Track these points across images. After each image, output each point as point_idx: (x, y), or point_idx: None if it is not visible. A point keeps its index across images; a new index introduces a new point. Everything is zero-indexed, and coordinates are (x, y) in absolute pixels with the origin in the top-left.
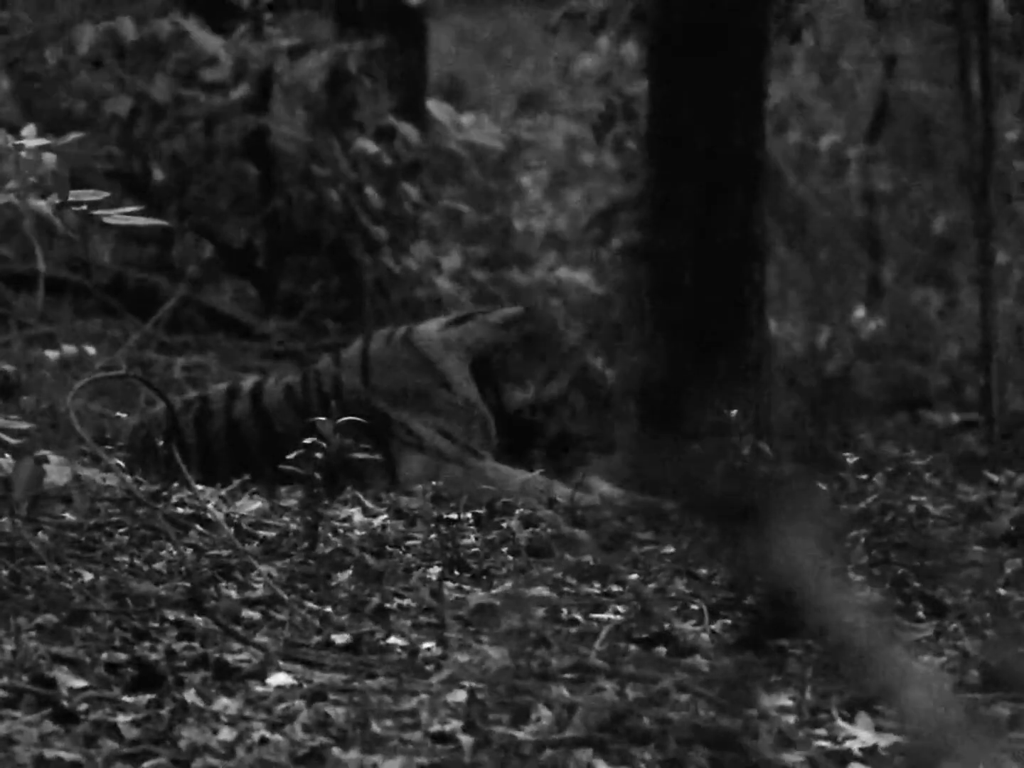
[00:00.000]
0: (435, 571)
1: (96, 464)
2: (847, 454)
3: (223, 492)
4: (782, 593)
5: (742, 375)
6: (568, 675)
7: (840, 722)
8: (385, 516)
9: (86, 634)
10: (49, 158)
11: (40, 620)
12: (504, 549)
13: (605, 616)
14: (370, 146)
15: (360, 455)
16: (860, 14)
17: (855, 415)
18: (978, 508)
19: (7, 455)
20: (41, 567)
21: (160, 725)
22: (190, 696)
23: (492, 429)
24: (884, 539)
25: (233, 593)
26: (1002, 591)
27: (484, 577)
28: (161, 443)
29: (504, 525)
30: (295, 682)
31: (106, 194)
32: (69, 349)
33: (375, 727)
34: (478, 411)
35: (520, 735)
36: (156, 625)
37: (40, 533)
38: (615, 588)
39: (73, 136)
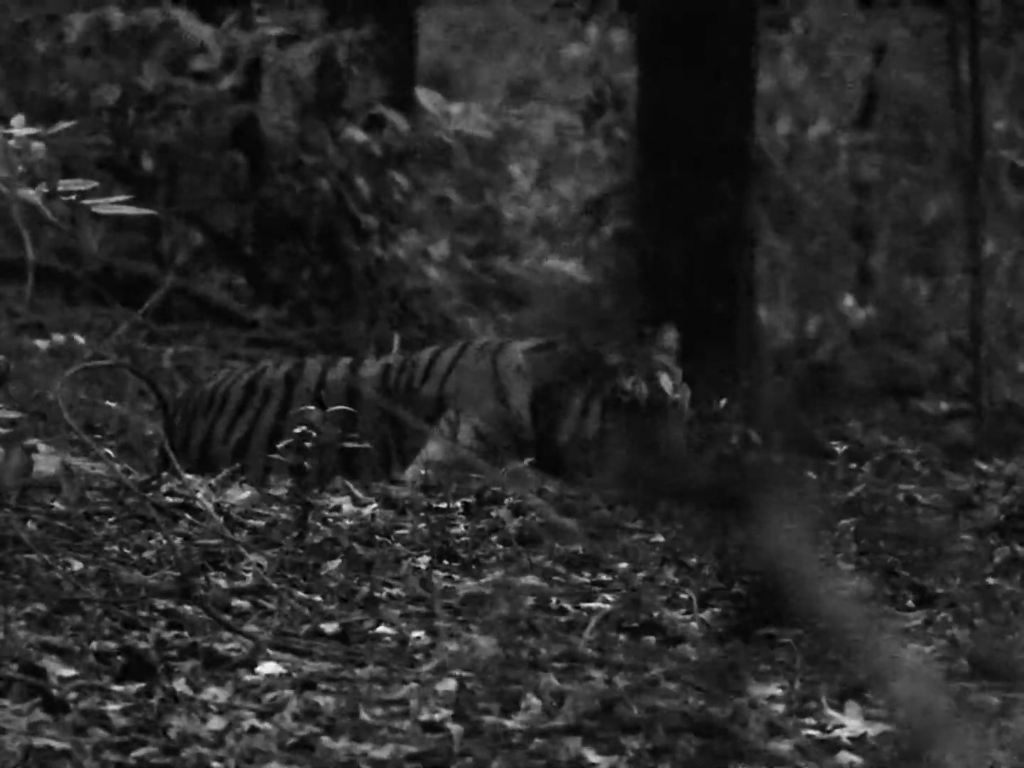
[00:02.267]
0: (425, 560)
1: (85, 453)
2: (836, 442)
3: (213, 481)
4: (771, 582)
5: (731, 363)
6: (557, 664)
7: (829, 711)
8: (375, 505)
9: (75, 623)
10: (38, 147)
11: (29, 609)
12: (494, 538)
13: (594, 605)
14: (359, 135)
15: (351, 444)
16: (849, 2)
17: (844, 403)
18: (967, 497)
19: None
20: (30, 556)
21: (149, 714)
22: (180, 685)
23: (530, 450)
24: (873, 528)
25: (223, 582)
26: (991, 580)
27: (474, 566)
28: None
29: (493, 514)
30: (284, 671)
31: (95, 183)
32: (58, 338)
33: (364, 716)
34: (525, 432)
35: (509, 724)
36: (145, 614)
37: (29, 522)
38: (604, 577)
39: (62, 125)
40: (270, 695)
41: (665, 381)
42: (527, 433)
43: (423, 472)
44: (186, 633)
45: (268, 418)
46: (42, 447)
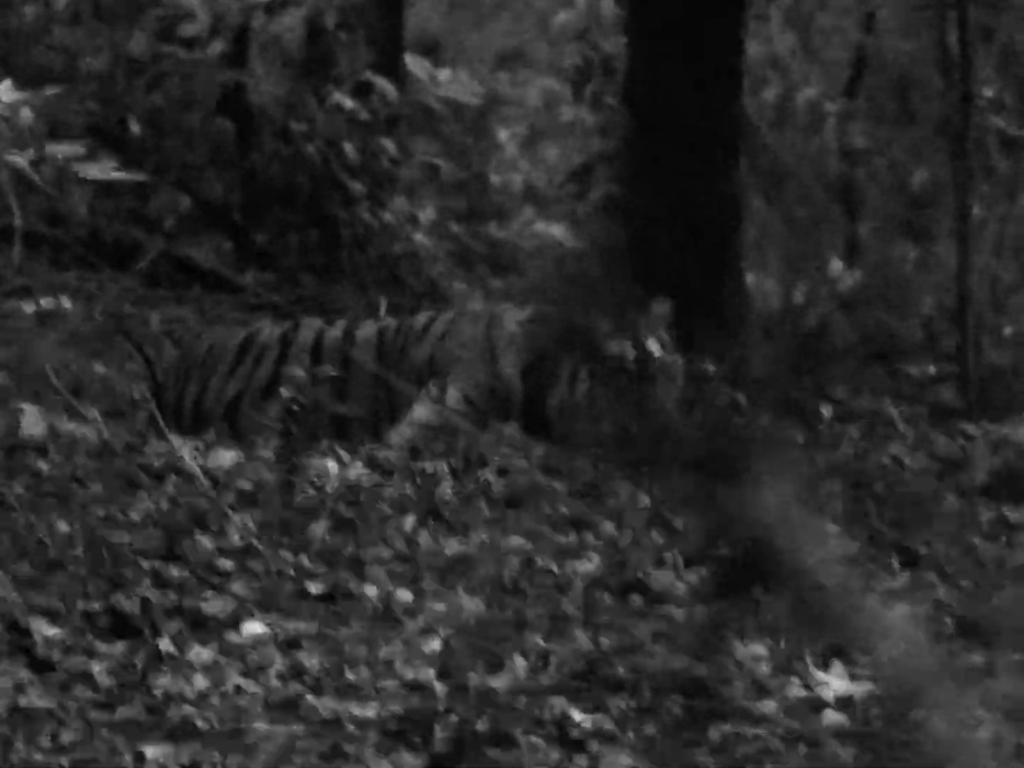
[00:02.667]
0: (410, 521)
1: (72, 416)
2: (823, 406)
3: (199, 443)
4: (757, 543)
5: (719, 328)
6: (543, 624)
7: (814, 670)
8: (361, 467)
9: (62, 583)
10: (26, 113)
11: (16, 569)
12: (480, 499)
13: (580, 566)
14: (347, 101)
15: (340, 409)
16: None
17: (831, 368)
18: (953, 459)
19: None
20: (17, 517)
21: (135, 673)
22: (165, 645)
23: (517, 415)
24: (860, 490)
25: (208, 543)
26: (977, 541)
27: (459, 527)
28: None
29: (479, 475)
30: (270, 631)
31: (83, 148)
32: (46, 301)
33: (349, 675)
34: (514, 397)
35: (494, 683)
36: (131, 575)
37: (16, 483)
38: (590, 538)
39: (51, 91)
40: (255, 655)
41: (653, 347)
42: (516, 398)
43: (410, 434)
44: (172, 593)
45: (261, 377)
46: (29, 409)
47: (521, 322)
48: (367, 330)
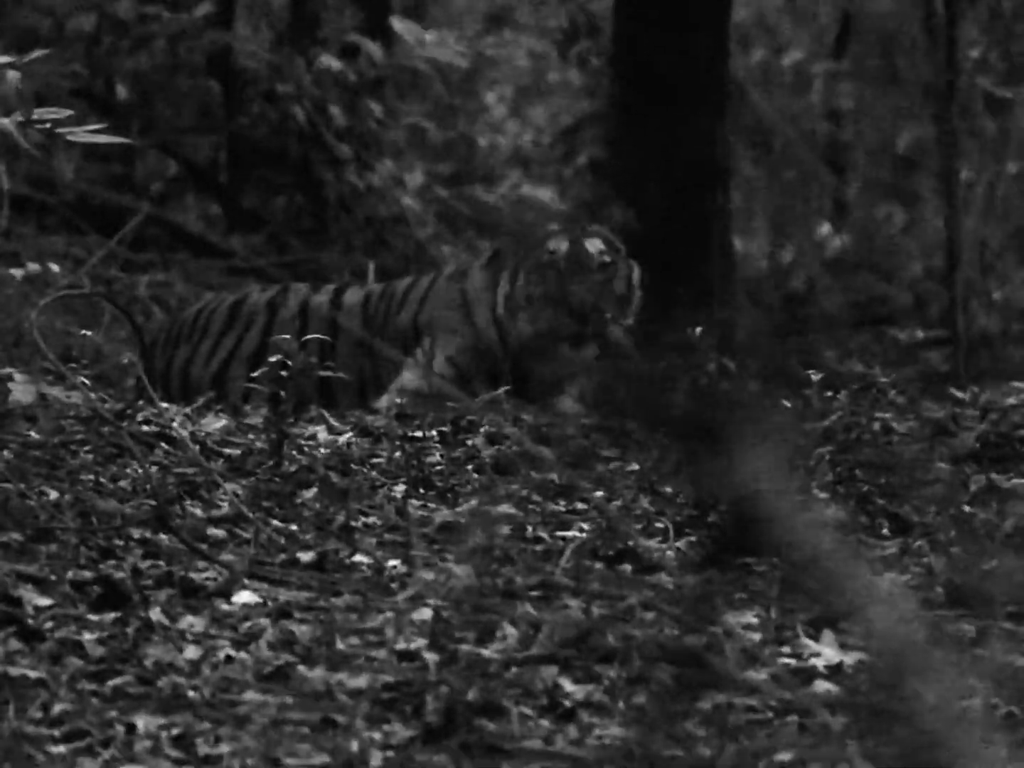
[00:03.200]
0: (400, 489)
1: (61, 382)
2: (811, 371)
3: (188, 410)
4: (746, 511)
5: (706, 293)
6: (533, 593)
7: (805, 639)
8: (350, 434)
9: (51, 552)
10: (13, 76)
11: (5, 538)
12: (469, 467)
13: (570, 534)
14: (334, 63)
15: (326, 374)
16: None
17: (819, 332)
18: (943, 425)
19: None
20: (6, 485)
21: (125, 643)
22: (155, 614)
23: (504, 371)
24: (849, 457)
25: (199, 511)
26: (967, 508)
27: (449, 495)
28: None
29: (469, 443)
30: (260, 600)
31: (70, 112)
32: (33, 267)
33: (340, 645)
34: (493, 351)
35: (486, 653)
36: (121, 543)
37: (5, 451)
38: (580, 506)
39: (37, 54)
40: (246, 624)
41: (592, 244)
42: (497, 351)
43: (397, 401)
44: (162, 562)
45: (249, 343)
46: (18, 376)
47: (483, 266)
48: (354, 296)
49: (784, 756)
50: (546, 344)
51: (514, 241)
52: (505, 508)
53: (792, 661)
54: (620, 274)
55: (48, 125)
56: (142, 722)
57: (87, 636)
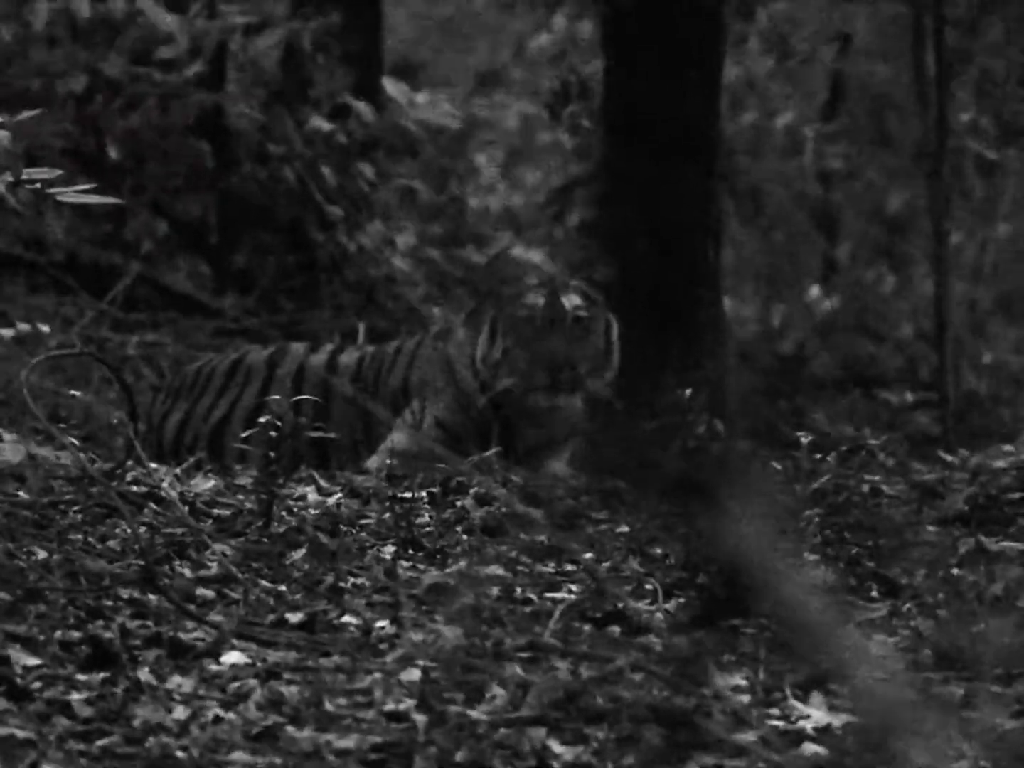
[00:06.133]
0: (389, 550)
1: (50, 442)
2: (801, 433)
3: (178, 470)
4: (736, 572)
5: (697, 354)
6: (522, 654)
7: (793, 701)
8: (339, 495)
9: (39, 612)
10: (3, 135)
11: None
12: (458, 528)
13: (559, 595)
14: (325, 124)
15: (317, 434)
16: None
17: (809, 394)
18: (932, 488)
19: None
20: None
21: (114, 703)
22: (144, 674)
23: (494, 431)
24: (837, 519)
25: (187, 571)
26: (955, 571)
27: (438, 556)
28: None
29: (458, 504)
30: (249, 660)
31: (60, 172)
32: (23, 326)
33: (329, 706)
34: (480, 410)
35: (474, 714)
36: (110, 603)
37: None
38: (569, 567)
39: (28, 114)
40: (234, 685)
41: (569, 299)
42: (485, 411)
43: (388, 461)
44: (150, 622)
45: (247, 402)
46: (7, 436)
47: (464, 323)
48: (349, 357)
49: None
50: (522, 397)
51: (493, 296)
52: (494, 569)
53: (781, 723)
54: (597, 328)
55: (38, 185)
56: None
57: (75, 696)
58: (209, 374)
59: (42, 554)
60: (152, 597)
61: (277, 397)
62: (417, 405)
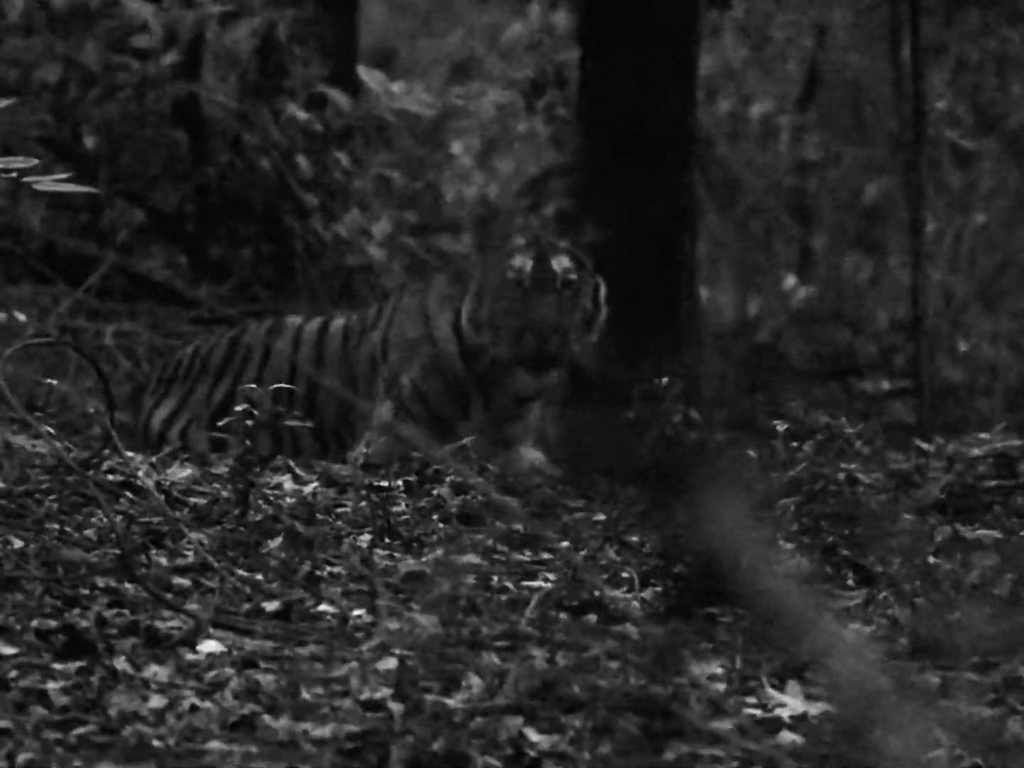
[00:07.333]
0: (366, 538)
1: (26, 431)
2: (777, 422)
3: (153, 459)
4: (712, 561)
5: (673, 343)
6: (499, 643)
7: (770, 690)
8: (316, 483)
9: (16, 601)
10: None
11: None
12: (435, 516)
13: (536, 584)
14: (301, 113)
15: (293, 423)
16: None
17: (786, 383)
18: (908, 476)
19: None
20: None
21: (90, 692)
22: (120, 663)
23: (472, 393)
24: (814, 507)
25: (164, 560)
26: (932, 559)
27: (415, 544)
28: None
29: (435, 492)
30: (225, 649)
31: (37, 161)
32: None
33: (305, 695)
34: (455, 368)
35: (451, 703)
36: (86, 592)
37: None
38: (545, 556)
39: (3, 103)
40: (211, 673)
41: (557, 262)
42: (461, 371)
43: (376, 440)
44: (127, 611)
45: (249, 379)
46: None
47: (447, 278)
48: (338, 321)
49: None
50: (508, 363)
51: (479, 255)
52: (470, 558)
53: (757, 711)
54: (585, 292)
55: (14, 174)
56: None
57: (52, 685)
58: (206, 356)
59: (18, 543)
60: (128, 586)
61: (253, 386)
62: (395, 366)
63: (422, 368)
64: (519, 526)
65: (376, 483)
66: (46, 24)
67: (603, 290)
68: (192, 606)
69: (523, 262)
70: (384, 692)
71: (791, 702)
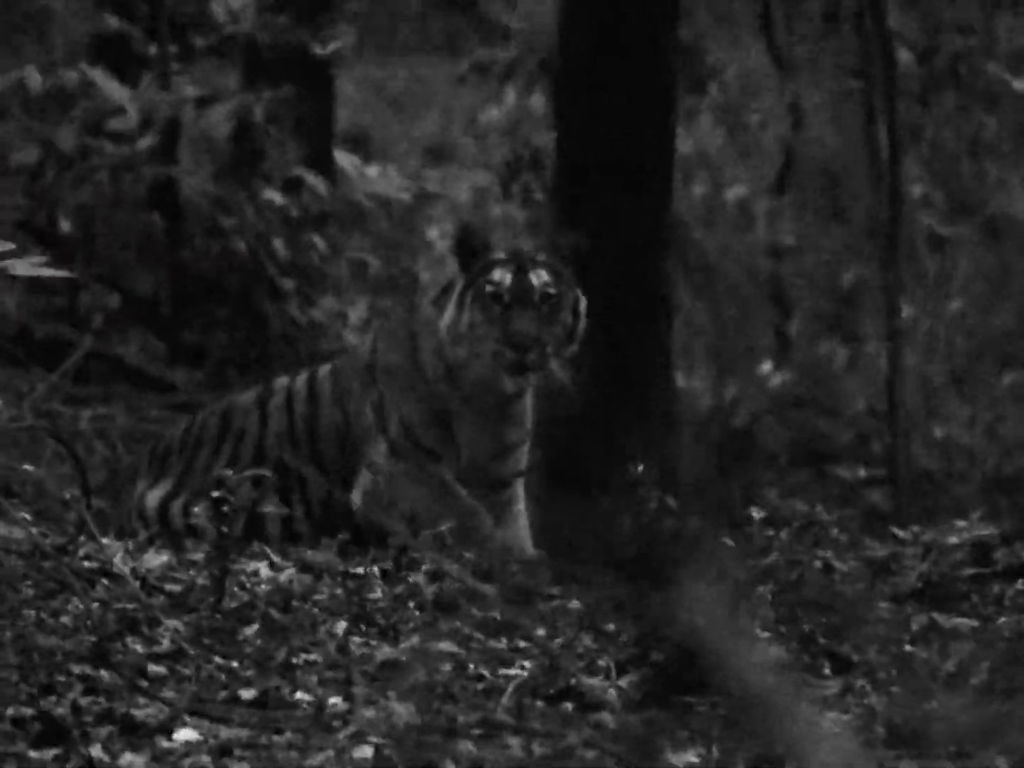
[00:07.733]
0: (342, 626)
1: (2, 516)
2: (753, 509)
3: (129, 545)
4: (688, 649)
5: (649, 429)
6: (475, 730)
7: None
8: (292, 570)
9: None
10: None
11: None
12: (411, 603)
13: (512, 671)
14: (277, 196)
15: (268, 510)
16: (766, 67)
17: (761, 470)
18: (885, 564)
19: None
20: None
21: None
22: (96, 751)
23: (457, 425)
24: (790, 595)
25: (139, 647)
26: (908, 648)
27: (391, 632)
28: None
29: (411, 579)
30: (201, 737)
31: (12, 245)
32: None
33: None
34: (441, 396)
35: None
36: (62, 679)
37: None
38: (522, 643)
39: None
40: (187, 761)
41: (537, 275)
42: (446, 395)
43: (371, 482)
44: (102, 699)
45: (245, 457)
46: None
47: (432, 300)
48: (323, 370)
49: None
50: (487, 375)
51: (460, 271)
52: (446, 645)
53: None
54: (565, 305)
55: None
56: None
57: None
58: (200, 431)
59: None
60: (104, 673)
61: (230, 472)
62: (385, 396)
63: (409, 402)
64: (495, 613)
65: (352, 570)
66: (23, 107)
67: (583, 303)
68: (168, 693)
69: (503, 275)
70: None
71: None
